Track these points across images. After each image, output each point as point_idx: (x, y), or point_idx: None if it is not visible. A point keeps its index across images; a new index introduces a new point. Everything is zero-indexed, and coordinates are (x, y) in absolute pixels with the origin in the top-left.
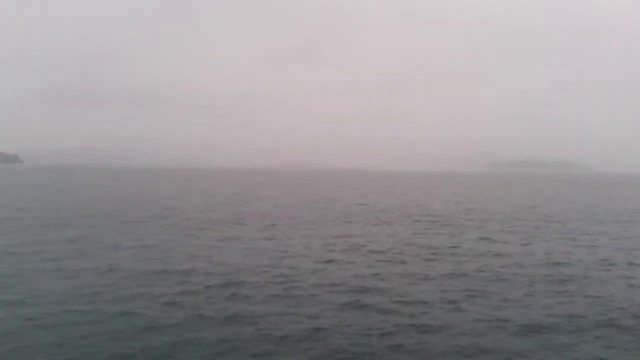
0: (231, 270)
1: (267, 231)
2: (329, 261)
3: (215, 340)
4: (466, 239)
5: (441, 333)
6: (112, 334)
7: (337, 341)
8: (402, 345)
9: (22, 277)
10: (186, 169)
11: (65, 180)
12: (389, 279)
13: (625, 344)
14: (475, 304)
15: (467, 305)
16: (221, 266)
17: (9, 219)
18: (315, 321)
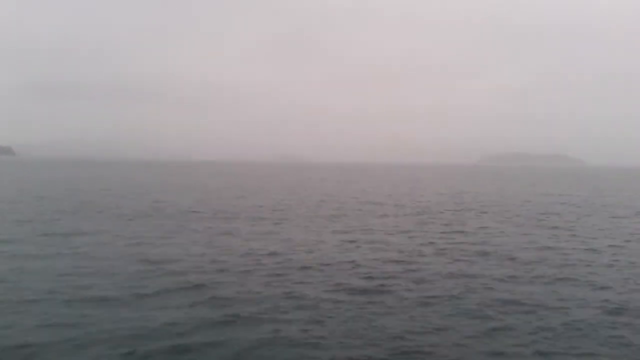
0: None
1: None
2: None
3: None
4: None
5: None
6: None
7: None
8: None
9: None
10: (179, 162)
11: (50, 173)
12: None
13: None
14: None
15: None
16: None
17: None
18: None
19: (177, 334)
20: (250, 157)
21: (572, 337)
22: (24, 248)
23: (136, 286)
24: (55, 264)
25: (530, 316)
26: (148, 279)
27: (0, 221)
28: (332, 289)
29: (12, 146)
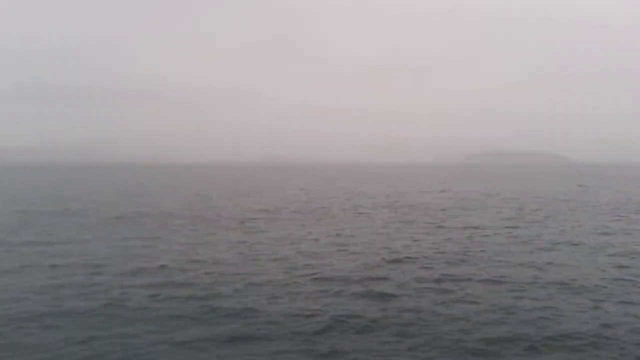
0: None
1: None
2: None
3: None
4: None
5: None
6: None
7: None
8: None
9: None
10: (162, 164)
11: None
12: None
13: None
14: None
15: None
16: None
17: None
18: None
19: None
20: (240, 159)
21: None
22: None
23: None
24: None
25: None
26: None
27: None
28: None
29: None
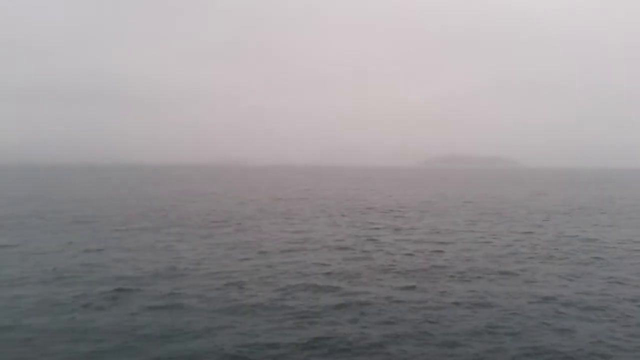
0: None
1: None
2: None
3: None
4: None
5: None
6: None
7: None
8: None
9: None
10: (116, 165)
11: None
12: None
13: None
14: None
15: None
16: None
17: None
18: None
19: None
20: (196, 160)
21: None
22: None
23: None
24: None
25: None
26: None
27: None
28: None
29: None
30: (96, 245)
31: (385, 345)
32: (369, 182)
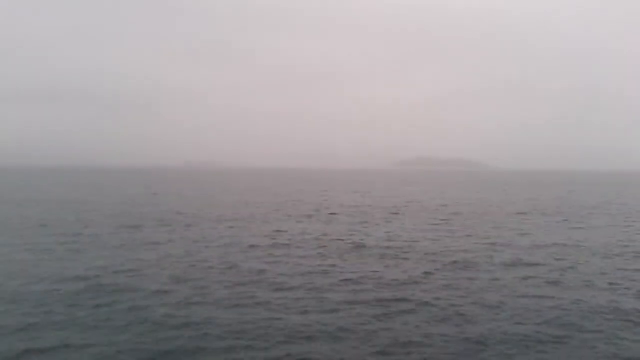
0: None
1: None
2: None
3: None
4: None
5: None
6: None
7: None
8: None
9: None
10: (88, 168)
11: None
12: None
13: None
14: None
15: None
16: None
17: None
18: None
19: None
20: (167, 163)
21: None
22: None
23: None
24: None
25: None
26: None
27: None
28: None
29: None
30: None
31: None
32: (323, 184)
